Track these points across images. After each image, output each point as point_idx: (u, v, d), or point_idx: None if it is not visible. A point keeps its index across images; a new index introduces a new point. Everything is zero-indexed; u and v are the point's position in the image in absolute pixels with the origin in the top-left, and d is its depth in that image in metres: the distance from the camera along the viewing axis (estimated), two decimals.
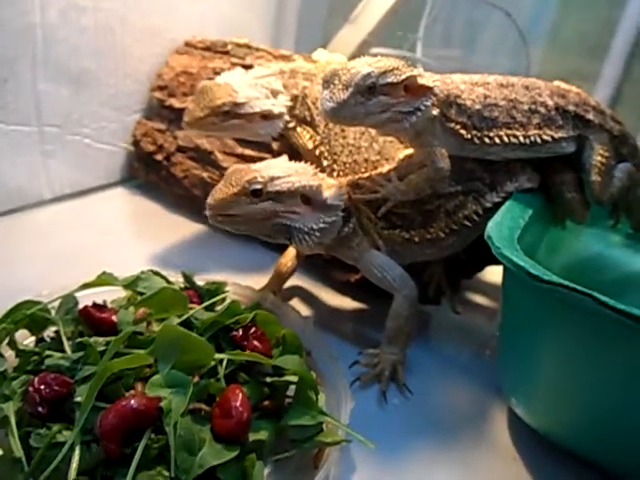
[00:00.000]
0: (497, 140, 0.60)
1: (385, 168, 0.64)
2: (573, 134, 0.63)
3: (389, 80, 0.54)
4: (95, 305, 0.56)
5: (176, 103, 0.92)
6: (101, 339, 0.51)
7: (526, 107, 0.61)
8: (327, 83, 0.54)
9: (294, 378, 0.50)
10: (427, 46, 1.17)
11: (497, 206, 0.62)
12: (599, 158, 0.63)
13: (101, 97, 0.93)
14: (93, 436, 0.43)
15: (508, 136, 0.60)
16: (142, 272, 0.60)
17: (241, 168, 0.57)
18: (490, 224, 0.54)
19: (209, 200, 0.56)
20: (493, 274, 0.79)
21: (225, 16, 1.07)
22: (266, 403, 0.51)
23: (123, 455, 0.43)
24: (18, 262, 0.77)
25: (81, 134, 0.92)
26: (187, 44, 0.98)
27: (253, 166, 0.57)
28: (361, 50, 1.13)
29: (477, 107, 0.59)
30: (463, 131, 0.59)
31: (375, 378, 0.62)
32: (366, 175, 0.64)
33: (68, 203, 0.94)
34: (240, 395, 0.46)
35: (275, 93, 0.73)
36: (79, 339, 0.52)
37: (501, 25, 1.15)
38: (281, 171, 0.57)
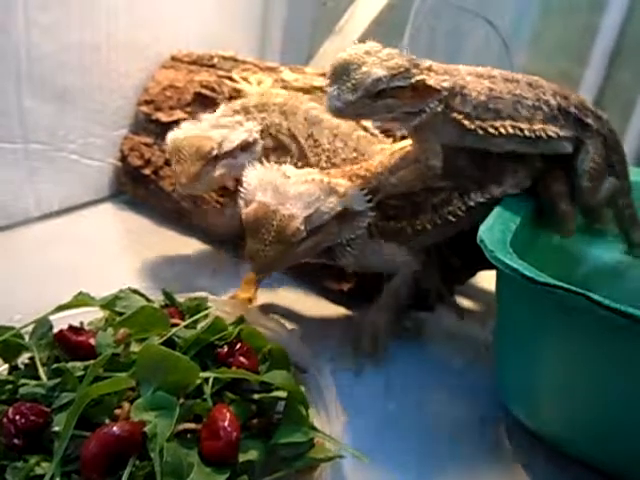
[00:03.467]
0: (502, 130, 0.60)
1: (376, 161, 0.64)
2: (572, 135, 0.64)
3: (399, 84, 0.54)
4: (71, 328, 0.53)
5: (163, 117, 0.92)
6: (79, 364, 0.49)
7: (530, 103, 0.61)
8: (335, 76, 0.54)
9: (283, 394, 0.49)
10: (412, 55, 1.18)
11: (480, 206, 0.63)
12: (592, 164, 0.64)
13: (87, 113, 0.92)
14: (74, 467, 0.41)
15: (513, 127, 0.60)
16: (120, 291, 0.58)
17: (267, 214, 0.54)
18: (482, 228, 0.54)
19: (254, 267, 0.54)
20: (485, 280, 0.80)
21: (210, 30, 1.07)
22: (255, 421, 0.49)
23: None
24: (6, 280, 0.76)
25: (67, 150, 0.91)
26: (173, 58, 0.98)
27: (282, 209, 0.53)
28: None
29: (482, 98, 0.59)
30: (466, 121, 0.59)
31: (353, 344, 0.63)
32: (358, 167, 0.64)
33: (56, 220, 0.93)
34: (228, 415, 0.44)
35: (240, 123, 0.74)
36: (55, 365, 0.49)
37: (484, 33, 1.16)
38: (310, 204, 0.54)
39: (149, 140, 0.94)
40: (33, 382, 0.48)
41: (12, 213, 0.88)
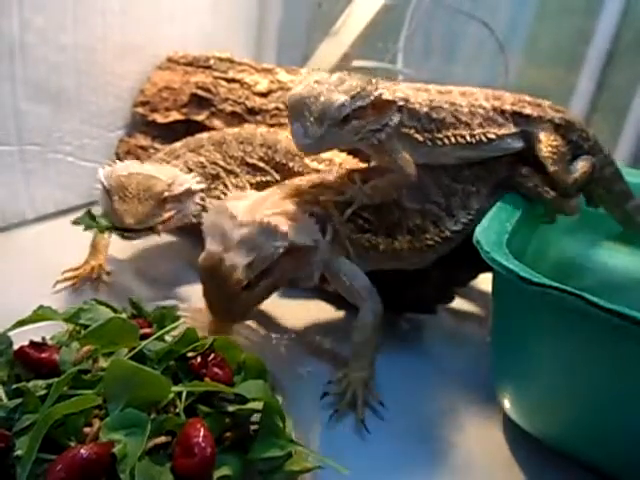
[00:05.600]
0: (446, 141, 0.61)
1: (349, 169, 0.65)
2: (515, 130, 0.65)
3: (359, 104, 0.53)
4: (32, 344, 0.49)
5: (159, 118, 0.92)
6: (41, 382, 0.46)
7: (466, 110, 0.63)
8: (296, 114, 0.53)
9: (258, 405, 0.46)
10: (407, 57, 1.18)
11: (455, 234, 0.65)
12: (549, 148, 0.65)
13: (82, 115, 0.92)
14: None
15: (455, 136, 0.62)
16: (85, 302, 0.55)
17: (214, 264, 0.54)
18: (478, 229, 0.54)
19: (212, 318, 0.57)
20: (483, 282, 0.80)
21: (206, 32, 1.07)
22: (229, 434, 0.47)
23: None
24: (1, 283, 0.75)
25: (63, 152, 0.91)
26: (169, 60, 0.98)
27: (227, 259, 0.54)
28: (343, 63, 1.14)
29: (425, 110, 0.60)
30: (417, 135, 0.60)
31: (349, 406, 0.58)
32: (330, 177, 0.64)
33: (51, 222, 0.92)
34: (202, 430, 0.42)
35: (187, 170, 0.74)
36: (15, 385, 0.46)
37: (480, 36, 1.17)
38: (250, 250, 0.54)
39: (145, 143, 0.93)
40: None
41: (7, 215, 0.88)
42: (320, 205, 0.61)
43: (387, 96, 0.56)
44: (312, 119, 0.52)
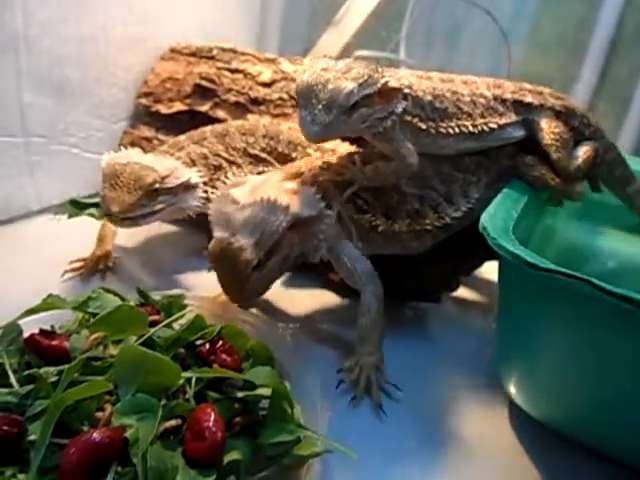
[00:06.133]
0: (450, 131, 0.61)
1: (349, 152, 0.65)
2: (517, 119, 0.66)
3: (367, 92, 0.53)
4: (42, 332, 0.50)
5: (162, 109, 0.92)
6: (52, 369, 0.47)
7: (468, 99, 0.63)
8: (304, 101, 0.53)
9: (266, 391, 0.47)
10: (410, 47, 1.18)
11: (455, 220, 0.65)
12: (551, 135, 0.65)
13: (86, 106, 0.92)
14: (52, 476, 0.40)
15: (458, 126, 0.62)
16: (93, 291, 0.55)
17: (224, 247, 0.54)
18: (484, 216, 0.54)
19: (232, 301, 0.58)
20: (487, 271, 0.80)
21: (208, 23, 1.07)
22: (239, 419, 0.47)
23: None
24: (6, 275, 0.76)
25: (68, 144, 0.91)
26: (172, 50, 0.98)
27: (235, 242, 0.54)
28: (345, 52, 1.14)
29: (428, 98, 0.60)
30: (420, 123, 0.60)
31: (365, 391, 0.60)
32: (330, 159, 0.64)
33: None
34: (212, 414, 0.43)
35: (188, 165, 0.74)
36: (27, 371, 0.47)
37: (482, 24, 1.16)
38: (255, 228, 0.54)
39: (149, 134, 0.93)
40: (4, 390, 0.46)
41: (12, 207, 0.88)
42: (320, 185, 0.61)
43: (393, 84, 0.56)
44: (320, 106, 0.52)
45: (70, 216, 0.69)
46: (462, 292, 0.79)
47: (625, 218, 0.76)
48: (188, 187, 0.71)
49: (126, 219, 0.67)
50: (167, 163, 0.70)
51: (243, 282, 0.55)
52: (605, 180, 0.73)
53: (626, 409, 0.48)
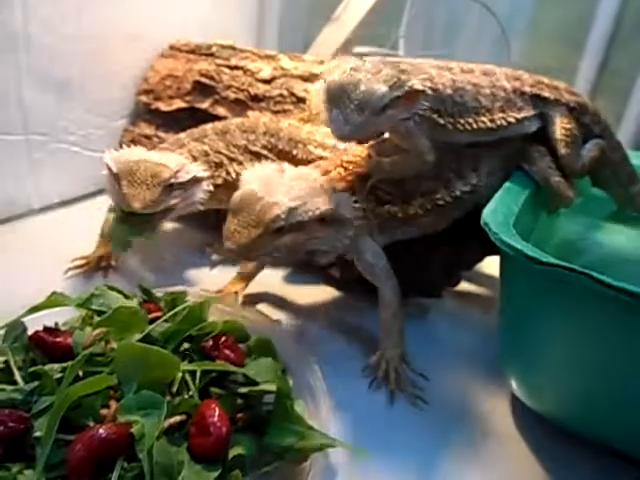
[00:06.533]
0: (468, 127, 0.61)
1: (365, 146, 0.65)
2: (534, 113, 0.66)
3: (396, 94, 0.54)
4: (47, 329, 0.51)
5: (162, 106, 0.92)
6: (56, 365, 0.47)
7: (488, 91, 0.63)
8: (335, 101, 0.53)
9: (270, 386, 0.47)
10: (409, 42, 1.18)
11: (464, 194, 0.65)
12: (562, 131, 0.66)
13: (87, 104, 0.92)
14: (58, 472, 0.40)
15: (477, 122, 0.62)
16: (96, 288, 0.56)
17: (251, 198, 0.54)
18: (485, 211, 0.54)
19: (229, 244, 0.53)
20: (487, 266, 0.80)
21: (207, 20, 1.07)
22: (242, 415, 0.48)
23: None
24: (8, 273, 0.76)
25: (68, 142, 0.92)
26: (172, 47, 0.98)
27: (267, 197, 0.54)
28: (344, 49, 1.14)
29: (449, 92, 0.60)
30: (439, 119, 0.60)
31: (397, 385, 0.61)
32: (346, 157, 0.64)
33: (57, 212, 0.93)
34: (217, 410, 0.43)
35: (191, 158, 0.74)
36: (32, 368, 0.47)
37: (482, 19, 1.16)
38: (296, 198, 0.55)
39: (149, 132, 0.93)
40: (9, 387, 0.46)
41: (13, 205, 0.89)
42: (345, 182, 0.61)
43: (418, 86, 0.56)
44: (352, 106, 0.52)
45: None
46: (463, 287, 0.80)
47: (626, 212, 0.77)
48: (195, 182, 0.72)
49: (144, 218, 0.67)
50: (174, 158, 0.71)
51: (256, 236, 0.53)
52: (608, 178, 0.73)
53: (628, 401, 0.49)
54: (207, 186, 0.73)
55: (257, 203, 0.54)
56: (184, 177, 0.69)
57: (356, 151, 0.65)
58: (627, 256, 0.70)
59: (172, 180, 0.67)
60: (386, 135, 0.64)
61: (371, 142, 0.65)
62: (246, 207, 0.54)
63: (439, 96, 0.59)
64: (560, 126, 0.66)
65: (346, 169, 0.63)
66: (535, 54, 1.26)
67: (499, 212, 0.55)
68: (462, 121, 0.61)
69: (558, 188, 0.66)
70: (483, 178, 0.66)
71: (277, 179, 0.57)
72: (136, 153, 0.70)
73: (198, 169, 0.72)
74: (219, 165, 0.76)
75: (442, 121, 0.60)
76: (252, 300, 0.74)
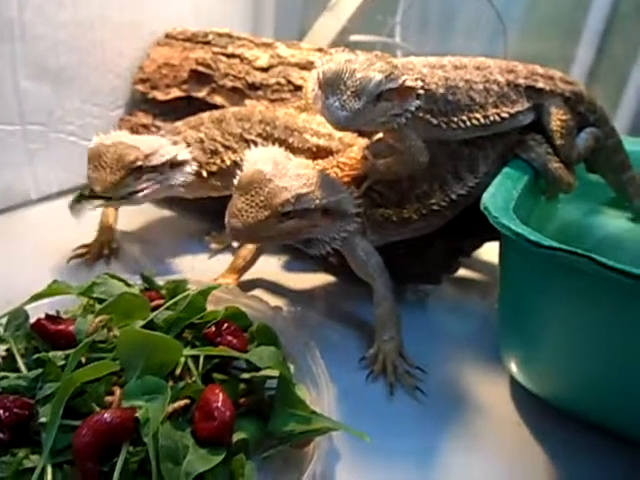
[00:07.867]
0: (461, 124, 0.61)
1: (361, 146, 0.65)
2: (528, 105, 0.66)
3: (390, 86, 0.54)
4: (48, 317, 0.51)
5: (159, 95, 0.92)
6: (59, 353, 0.47)
7: (481, 87, 0.62)
8: (332, 88, 0.53)
9: (272, 372, 0.48)
10: (406, 30, 1.17)
11: (460, 197, 0.66)
12: (558, 122, 0.66)
13: (83, 93, 0.92)
14: (64, 457, 0.41)
15: (470, 119, 0.62)
16: (98, 277, 0.56)
17: (261, 179, 0.54)
18: (485, 196, 0.55)
19: (234, 222, 0.53)
20: (486, 253, 0.81)
21: (203, 8, 1.06)
22: (245, 400, 0.49)
23: (101, 473, 0.40)
24: (8, 262, 0.76)
25: (65, 132, 0.91)
26: (167, 36, 0.97)
27: (277, 180, 0.54)
28: (341, 37, 1.13)
29: (441, 91, 0.60)
30: (432, 119, 0.60)
31: (395, 377, 0.61)
32: (342, 158, 0.65)
33: (55, 202, 0.93)
34: (220, 395, 0.44)
35: (174, 142, 0.73)
36: (35, 355, 0.48)
37: (478, 7, 1.16)
38: (305, 185, 0.55)
39: (146, 121, 0.93)
40: (13, 374, 0.46)
41: (11, 195, 0.88)
42: (341, 182, 0.62)
43: (410, 83, 0.56)
44: (349, 93, 0.52)
45: (75, 212, 0.70)
46: (462, 273, 0.80)
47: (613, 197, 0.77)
48: (175, 164, 0.71)
49: (110, 198, 0.67)
50: (151, 141, 0.70)
51: (265, 216, 0.53)
52: (602, 165, 0.74)
53: (628, 383, 0.49)
54: (190, 169, 0.73)
55: (266, 185, 0.54)
56: (158, 160, 0.69)
57: (352, 153, 0.65)
58: (626, 240, 0.71)
59: (139, 163, 0.67)
60: (380, 135, 0.64)
61: (367, 143, 0.65)
62: (255, 187, 0.54)
63: (432, 96, 0.59)
64: (555, 117, 0.66)
65: (342, 170, 0.63)
66: (532, 41, 1.25)
67: (499, 196, 0.55)
68: (455, 119, 0.61)
69: (558, 174, 0.66)
70: (480, 178, 0.67)
71: (286, 164, 0.57)
72: (118, 137, 0.70)
73: (181, 151, 0.72)
74: (214, 153, 0.76)
75: (435, 121, 0.60)
76: (249, 287, 0.74)
